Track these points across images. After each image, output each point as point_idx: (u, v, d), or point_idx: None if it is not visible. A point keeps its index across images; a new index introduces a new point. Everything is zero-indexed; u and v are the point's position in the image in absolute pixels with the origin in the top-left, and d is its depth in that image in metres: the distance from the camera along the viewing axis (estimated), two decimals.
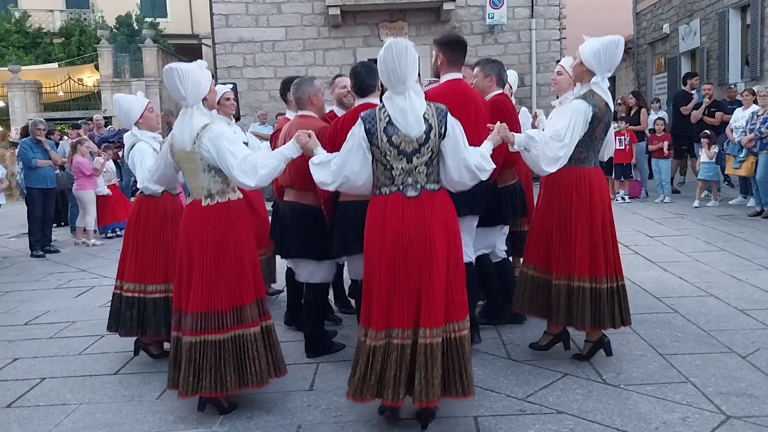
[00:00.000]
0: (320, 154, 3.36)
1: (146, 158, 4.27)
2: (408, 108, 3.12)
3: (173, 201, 4.35)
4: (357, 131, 3.18)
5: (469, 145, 3.29)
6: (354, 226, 3.83)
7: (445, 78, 4.14)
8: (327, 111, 4.73)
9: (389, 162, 3.15)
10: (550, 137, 3.67)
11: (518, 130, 4.21)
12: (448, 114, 3.20)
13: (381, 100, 3.32)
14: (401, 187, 3.16)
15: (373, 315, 3.14)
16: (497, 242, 4.75)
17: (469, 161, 3.20)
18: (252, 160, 3.32)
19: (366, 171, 3.20)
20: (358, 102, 4.05)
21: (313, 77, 4.74)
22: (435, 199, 3.18)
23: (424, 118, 3.13)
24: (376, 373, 3.10)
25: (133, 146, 4.39)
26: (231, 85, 5.31)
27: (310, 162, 3.37)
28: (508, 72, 5.34)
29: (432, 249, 3.09)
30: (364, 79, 3.98)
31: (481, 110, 4.09)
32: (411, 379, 3.09)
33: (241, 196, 3.60)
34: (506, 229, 4.95)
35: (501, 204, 4.54)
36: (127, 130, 4.53)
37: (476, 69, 4.71)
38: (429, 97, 4.02)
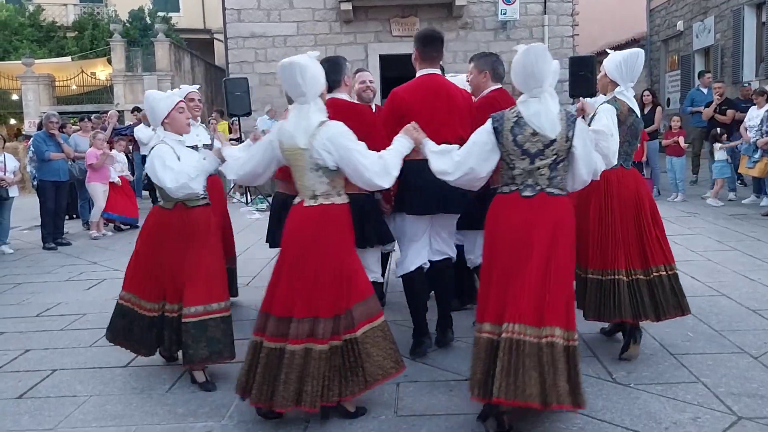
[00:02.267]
0: (434, 145, 3.41)
1: (167, 159, 3.77)
2: (542, 111, 3.15)
3: (186, 214, 3.90)
4: (486, 127, 3.23)
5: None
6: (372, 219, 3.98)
7: (420, 73, 4.14)
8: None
9: (512, 161, 3.17)
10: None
11: None
12: (577, 119, 3.23)
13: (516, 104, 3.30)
14: (520, 187, 3.17)
15: (488, 308, 3.13)
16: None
17: (595, 165, 3.28)
18: (381, 161, 3.27)
19: (490, 165, 3.24)
20: (328, 97, 4.00)
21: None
22: (550, 202, 3.14)
23: (559, 120, 3.15)
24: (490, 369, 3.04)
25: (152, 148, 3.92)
26: (198, 86, 5.13)
27: (427, 150, 3.39)
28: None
29: (530, 250, 3.06)
30: (328, 74, 3.91)
31: (457, 107, 4.02)
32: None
33: (347, 200, 3.41)
34: None
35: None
36: (137, 124, 4.35)
37: (470, 65, 4.57)
38: (397, 93, 4.09)
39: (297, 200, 3.41)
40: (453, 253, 4.31)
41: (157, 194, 4.12)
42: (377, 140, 3.73)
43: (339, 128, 3.27)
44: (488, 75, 4.45)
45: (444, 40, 4.23)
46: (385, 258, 5.18)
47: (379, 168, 3.25)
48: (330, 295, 3.23)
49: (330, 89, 3.99)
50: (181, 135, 3.97)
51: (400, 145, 3.41)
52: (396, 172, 3.32)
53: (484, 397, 3.02)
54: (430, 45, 4.12)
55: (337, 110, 3.91)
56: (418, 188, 3.88)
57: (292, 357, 3.17)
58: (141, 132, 11.31)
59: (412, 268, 4.14)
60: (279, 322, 3.25)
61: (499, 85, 4.48)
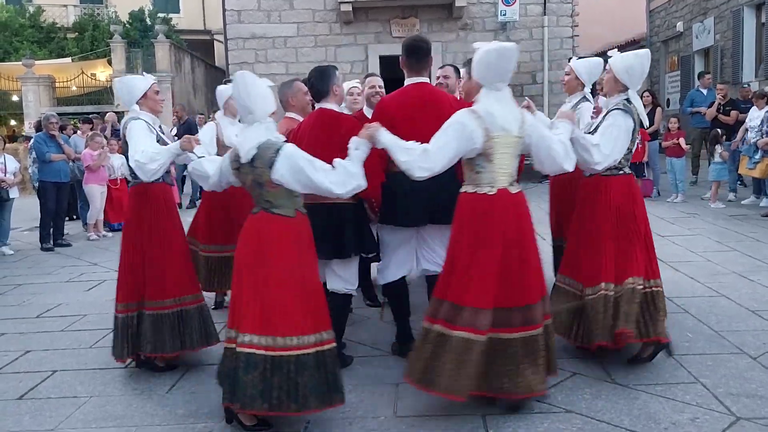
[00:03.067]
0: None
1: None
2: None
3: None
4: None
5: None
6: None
7: (407, 82, 4.11)
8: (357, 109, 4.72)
9: None
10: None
11: None
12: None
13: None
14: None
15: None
16: None
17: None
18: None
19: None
20: (317, 106, 4.08)
21: (293, 80, 4.72)
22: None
23: None
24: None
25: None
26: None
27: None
28: (586, 61, 4.94)
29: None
30: (314, 85, 4.04)
31: (445, 116, 3.68)
32: None
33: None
34: None
35: None
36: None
37: (462, 70, 4.47)
38: (383, 102, 4.11)
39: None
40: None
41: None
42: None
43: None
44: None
45: (431, 49, 4.14)
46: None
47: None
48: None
49: (318, 99, 4.05)
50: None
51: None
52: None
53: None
54: (416, 54, 4.06)
55: (323, 120, 3.96)
56: (404, 199, 3.83)
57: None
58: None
59: (394, 279, 4.11)
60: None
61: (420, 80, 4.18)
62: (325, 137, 3.87)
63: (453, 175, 3.57)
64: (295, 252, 3.24)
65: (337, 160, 3.31)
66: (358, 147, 3.35)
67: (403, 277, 4.16)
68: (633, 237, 3.85)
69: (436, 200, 3.78)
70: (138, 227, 4.07)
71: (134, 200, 4.13)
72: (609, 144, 3.78)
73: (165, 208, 4.13)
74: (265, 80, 3.37)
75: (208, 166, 3.70)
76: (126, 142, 4.09)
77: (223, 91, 5.32)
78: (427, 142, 3.34)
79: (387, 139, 3.36)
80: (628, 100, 3.91)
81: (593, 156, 3.74)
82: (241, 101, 3.31)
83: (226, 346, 3.31)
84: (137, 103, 4.18)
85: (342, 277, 4.00)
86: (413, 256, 4.16)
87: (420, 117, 3.85)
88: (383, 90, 5.00)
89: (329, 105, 4.02)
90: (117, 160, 10.06)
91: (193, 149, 3.89)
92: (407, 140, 3.39)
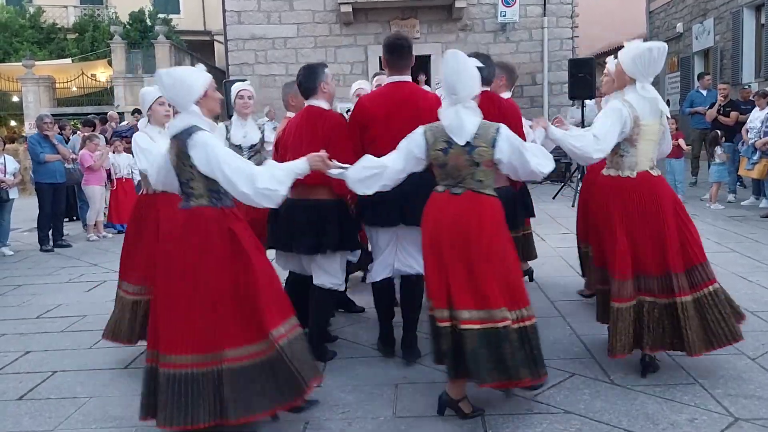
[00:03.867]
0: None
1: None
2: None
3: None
4: None
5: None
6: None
7: (387, 81, 4.10)
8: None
9: None
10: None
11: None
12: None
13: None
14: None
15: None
16: None
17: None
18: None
19: None
20: (305, 104, 4.12)
21: (294, 82, 4.70)
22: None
23: None
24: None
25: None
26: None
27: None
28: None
29: None
30: (302, 83, 4.08)
31: (423, 117, 3.66)
32: None
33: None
34: None
35: None
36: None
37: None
38: (361, 102, 4.12)
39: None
40: (420, 267, 3.93)
41: None
42: (346, 148, 3.77)
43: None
44: None
45: (412, 47, 4.07)
46: None
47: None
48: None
49: (307, 96, 4.09)
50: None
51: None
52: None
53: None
54: (396, 53, 4.01)
55: (308, 116, 4.01)
56: (376, 199, 3.78)
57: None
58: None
59: (377, 279, 4.12)
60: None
61: (483, 89, 3.95)
62: (309, 133, 3.92)
63: (426, 178, 3.53)
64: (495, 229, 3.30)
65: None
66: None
67: (390, 279, 4.14)
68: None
69: (408, 202, 3.77)
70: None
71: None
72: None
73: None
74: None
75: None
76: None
77: (147, 93, 4.49)
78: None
79: (557, 133, 3.73)
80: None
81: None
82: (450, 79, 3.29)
83: (440, 326, 3.24)
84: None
85: (327, 272, 4.04)
86: (394, 257, 4.11)
87: (395, 116, 3.81)
88: None
89: (317, 102, 4.07)
90: (123, 159, 10.03)
91: None
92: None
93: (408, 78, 4.09)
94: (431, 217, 3.32)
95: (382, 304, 4.24)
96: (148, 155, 4.17)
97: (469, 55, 3.93)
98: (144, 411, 3.17)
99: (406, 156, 3.40)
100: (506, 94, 4.86)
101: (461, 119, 3.24)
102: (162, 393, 3.05)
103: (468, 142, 3.23)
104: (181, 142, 3.10)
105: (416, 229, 3.73)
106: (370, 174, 3.40)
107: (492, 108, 4.04)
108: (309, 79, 4.06)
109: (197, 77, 3.17)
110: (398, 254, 4.07)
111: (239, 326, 3.07)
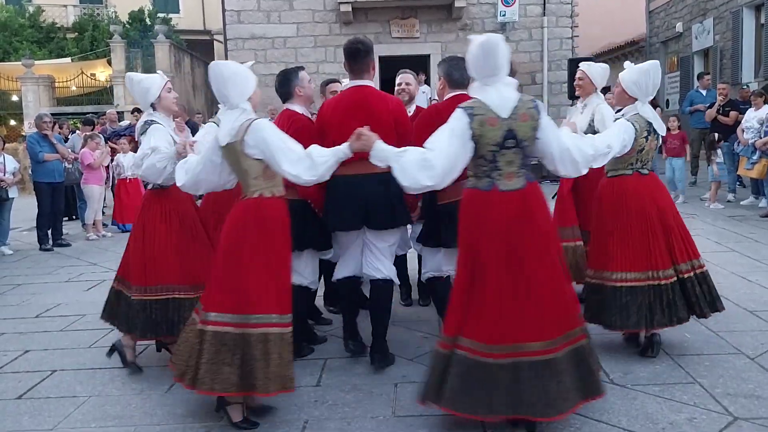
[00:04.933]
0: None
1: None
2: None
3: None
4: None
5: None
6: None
7: (348, 85, 4.13)
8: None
9: None
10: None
11: None
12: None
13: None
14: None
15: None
16: (442, 264, 4.16)
17: None
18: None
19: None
20: (283, 107, 4.28)
21: (296, 68, 4.61)
22: None
23: None
24: None
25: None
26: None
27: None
28: (598, 66, 5.00)
29: None
30: (278, 89, 4.26)
31: (380, 120, 3.71)
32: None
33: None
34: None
35: (439, 225, 4.00)
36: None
37: (439, 69, 4.32)
38: (322, 106, 4.18)
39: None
40: (388, 273, 4.02)
41: None
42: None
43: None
44: (444, 82, 4.11)
45: (371, 50, 4.02)
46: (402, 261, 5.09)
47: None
48: None
49: (284, 101, 4.23)
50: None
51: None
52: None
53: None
54: (352, 57, 3.99)
55: (283, 119, 4.12)
56: (339, 203, 3.83)
57: None
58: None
59: (339, 277, 4.15)
60: None
61: (459, 92, 3.93)
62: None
63: (386, 183, 3.50)
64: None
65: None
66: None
67: (351, 278, 4.14)
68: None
69: (369, 206, 3.79)
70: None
71: None
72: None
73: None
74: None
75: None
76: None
77: (149, 81, 4.25)
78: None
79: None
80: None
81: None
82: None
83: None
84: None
85: (296, 270, 3.95)
86: (359, 258, 4.09)
87: (349, 122, 3.66)
88: (411, 87, 4.96)
89: (293, 106, 4.18)
90: (128, 160, 9.92)
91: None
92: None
93: (367, 82, 4.03)
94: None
95: (344, 301, 4.30)
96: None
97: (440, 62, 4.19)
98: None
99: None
100: None
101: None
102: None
103: None
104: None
105: (382, 233, 3.93)
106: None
107: None
108: (283, 84, 4.20)
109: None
110: (366, 257, 4.05)
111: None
